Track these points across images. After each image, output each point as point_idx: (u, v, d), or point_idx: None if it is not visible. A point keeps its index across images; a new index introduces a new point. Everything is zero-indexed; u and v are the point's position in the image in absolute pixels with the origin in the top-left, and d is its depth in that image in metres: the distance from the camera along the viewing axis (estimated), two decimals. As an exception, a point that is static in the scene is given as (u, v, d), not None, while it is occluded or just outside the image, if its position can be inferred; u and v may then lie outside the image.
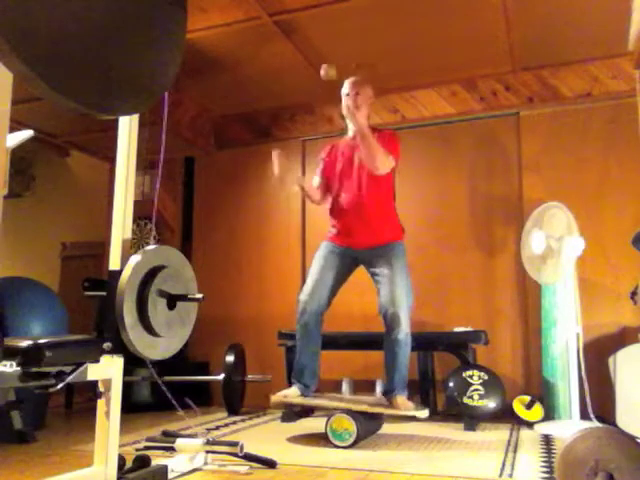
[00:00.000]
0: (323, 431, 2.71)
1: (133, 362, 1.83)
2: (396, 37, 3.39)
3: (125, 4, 1.51)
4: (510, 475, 2.10)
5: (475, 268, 3.80)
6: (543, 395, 3.29)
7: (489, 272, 3.77)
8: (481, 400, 3.05)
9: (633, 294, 3.03)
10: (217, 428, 3.15)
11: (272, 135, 4.45)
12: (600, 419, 3.11)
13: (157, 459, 2.13)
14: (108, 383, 1.74)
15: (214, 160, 4.64)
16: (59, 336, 1.91)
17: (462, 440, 2.79)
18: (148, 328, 1.71)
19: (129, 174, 1.86)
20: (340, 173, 2.99)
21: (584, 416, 3.08)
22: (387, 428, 3.01)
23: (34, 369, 1.52)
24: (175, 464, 2.16)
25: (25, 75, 1.27)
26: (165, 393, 2.22)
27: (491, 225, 3.82)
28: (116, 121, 1.87)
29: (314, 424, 3.26)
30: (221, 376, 3.65)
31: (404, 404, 2.77)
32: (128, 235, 1.85)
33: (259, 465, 2.25)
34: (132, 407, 3.72)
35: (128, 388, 3.62)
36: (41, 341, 1.55)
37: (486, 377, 3.11)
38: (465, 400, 3.06)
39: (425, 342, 3.38)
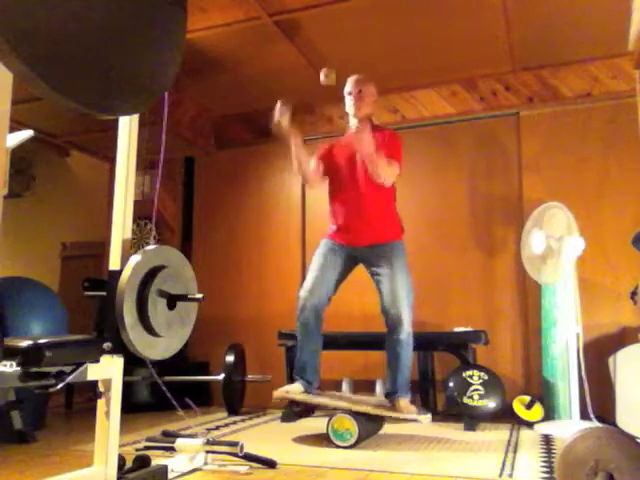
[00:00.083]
0: (323, 431, 2.71)
1: (133, 362, 1.83)
2: (396, 37, 3.39)
3: (125, 4, 1.51)
4: (510, 475, 2.10)
5: (475, 268, 3.80)
6: (543, 395, 3.29)
7: (489, 272, 3.77)
8: (481, 400, 3.05)
9: (633, 294, 3.03)
10: (217, 428, 3.15)
11: (272, 135, 4.44)
12: (600, 419, 3.11)
13: (157, 459, 2.13)
14: (108, 383, 1.74)
15: (214, 160, 4.64)
16: (59, 336, 1.90)
17: (462, 440, 2.79)
18: (148, 328, 1.71)
19: (129, 174, 1.86)
20: (341, 170, 2.99)
21: (584, 416, 3.08)
22: (387, 428, 3.01)
23: (34, 369, 1.52)
24: (175, 464, 2.16)
25: (25, 75, 1.27)
26: (165, 393, 2.22)
27: (491, 225, 3.82)
28: (116, 121, 1.87)
29: (314, 424, 3.26)
30: (221, 376, 3.65)
31: (407, 407, 2.76)
32: (128, 235, 1.85)
33: (259, 465, 2.25)
34: (132, 407, 3.72)
35: (128, 388, 3.62)
36: (41, 341, 1.55)
37: (486, 377, 3.11)
38: (465, 400, 3.06)
39: (425, 342, 3.38)
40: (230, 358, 3.69)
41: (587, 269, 3.43)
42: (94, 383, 1.74)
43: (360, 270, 2.99)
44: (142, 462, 1.91)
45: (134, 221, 2.09)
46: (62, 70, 1.34)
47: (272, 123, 2.83)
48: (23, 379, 1.50)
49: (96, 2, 1.43)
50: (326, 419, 2.74)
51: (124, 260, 1.77)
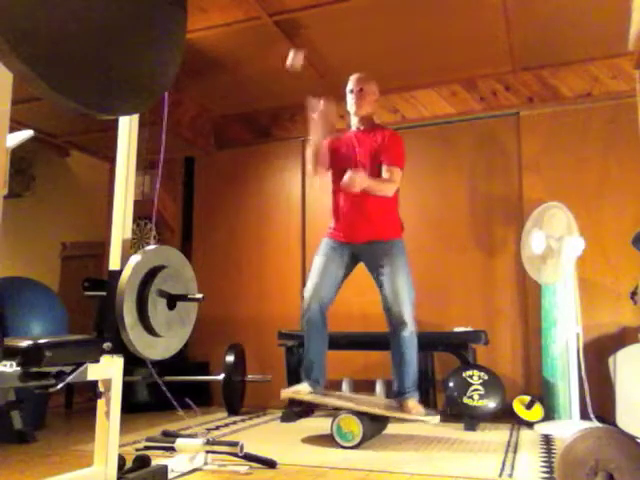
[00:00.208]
0: (323, 431, 2.71)
1: (133, 362, 1.83)
2: (396, 37, 3.39)
3: (125, 4, 1.51)
4: (510, 475, 2.10)
5: (475, 268, 3.80)
6: (543, 395, 3.29)
7: (489, 272, 3.77)
8: (481, 400, 3.05)
9: (633, 294, 3.03)
10: (217, 428, 3.15)
11: (272, 135, 4.45)
12: (600, 419, 3.11)
13: (157, 459, 2.13)
14: (108, 383, 1.74)
15: (214, 160, 4.64)
16: (59, 336, 1.91)
17: (462, 440, 2.79)
18: (148, 328, 1.71)
19: (129, 174, 1.86)
20: (342, 166, 2.98)
21: (584, 416, 3.08)
22: (388, 428, 3.01)
23: (34, 369, 1.52)
24: (175, 464, 2.16)
25: (25, 75, 1.27)
26: (165, 393, 2.22)
27: (491, 225, 3.82)
28: (116, 121, 1.87)
29: (314, 424, 3.26)
30: (221, 376, 3.65)
31: (415, 408, 2.76)
32: (128, 235, 1.85)
33: (259, 465, 2.25)
34: (132, 407, 3.72)
35: (128, 388, 3.62)
36: (41, 341, 1.55)
37: (486, 377, 3.11)
38: (465, 400, 3.06)
39: (425, 342, 3.36)
40: (230, 358, 3.69)
41: (587, 269, 3.43)
42: (94, 383, 1.74)
43: (360, 270, 2.99)
44: (142, 462, 1.91)
45: (134, 221, 2.09)
46: (62, 70, 1.34)
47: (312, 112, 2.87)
48: (23, 379, 1.50)
49: (96, 2, 1.43)
50: (326, 419, 2.74)
51: (124, 260, 1.77)
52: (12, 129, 1.60)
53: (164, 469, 1.95)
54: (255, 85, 4.02)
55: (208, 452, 2.28)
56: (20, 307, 2.99)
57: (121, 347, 1.69)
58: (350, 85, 2.99)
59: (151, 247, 1.81)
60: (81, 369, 1.62)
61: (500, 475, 2.10)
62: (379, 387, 3.62)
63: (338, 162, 2.99)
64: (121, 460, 1.81)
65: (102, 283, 1.78)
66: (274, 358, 3.93)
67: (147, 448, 2.40)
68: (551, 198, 3.39)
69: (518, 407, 3.25)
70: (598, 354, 3.34)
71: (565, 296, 3.19)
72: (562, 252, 3.07)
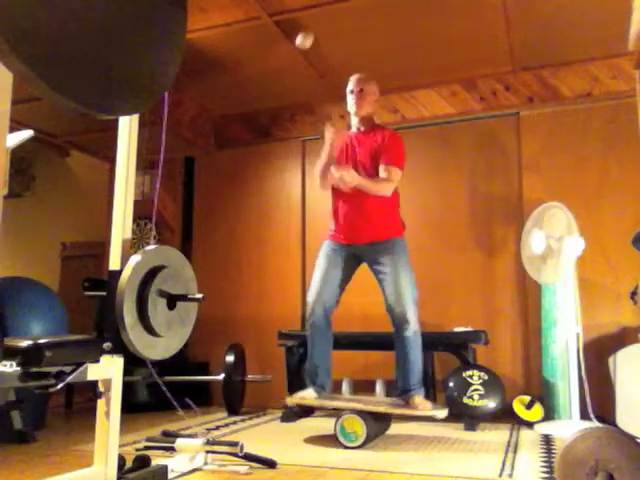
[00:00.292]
0: (323, 431, 2.71)
1: (133, 362, 1.83)
2: (396, 37, 3.39)
3: (125, 4, 1.51)
4: (510, 475, 2.10)
5: (475, 268, 3.80)
6: (543, 395, 3.29)
7: (489, 272, 3.77)
8: (481, 400, 3.05)
9: (633, 294, 3.03)
10: (217, 428, 3.15)
11: (272, 135, 4.45)
12: (600, 419, 3.11)
13: (157, 459, 2.13)
14: (108, 383, 1.74)
15: (214, 160, 4.64)
16: (59, 336, 1.90)
17: (462, 440, 2.79)
18: (148, 328, 1.71)
19: (129, 174, 1.86)
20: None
21: (584, 416, 3.08)
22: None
23: (34, 369, 1.52)
24: (175, 464, 2.16)
25: (25, 75, 1.27)
26: (165, 393, 2.22)
27: (491, 225, 3.82)
28: (116, 121, 1.87)
29: (314, 424, 3.26)
30: (221, 376, 3.65)
31: (422, 404, 2.76)
32: (128, 235, 1.85)
33: (259, 465, 2.25)
34: (132, 407, 3.72)
35: (128, 388, 3.62)
36: (41, 341, 1.55)
37: (486, 377, 3.11)
38: (465, 400, 3.06)
39: (425, 342, 3.35)
40: (230, 358, 3.69)
41: (587, 269, 3.43)
42: (94, 383, 1.74)
43: (361, 271, 2.99)
44: (142, 462, 1.91)
45: (134, 221, 2.09)
46: (62, 70, 1.34)
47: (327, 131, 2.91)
48: (23, 379, 1.50)
49: (96, 2, 1.43)
50: (326, 419, 2.74)
51: (124, 260, 1.77)
52: (12, 129, 1.60)
53: (164, 469, 1.95)
54: (255, 85, 4.02)
55: (208, 452, 2.28)
56: (20, 307, 2.99)
57: (121, 347, 1.69)
58: (350, 86, 2.99)
59: (151, 247, 1.81)
60: (81, 369, 1.62)
61: (500, 475, 2.10)
62: (379, 387, 3.62)
63: (338, 163, 2.99)
64: (121, 460, 1.81)
65: (102, 283, 1.78)
66: (274, 358, 3.93)
67: (147, 448, 2.40)
68: (551, 198, 3.39)
69: (518, 407, 3.25)
70: (598, 354, 3.34)
71: (565, 296, 3.19)
72: (562, 252, 3.07)
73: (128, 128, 1.87)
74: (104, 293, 1.74)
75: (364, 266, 2.97)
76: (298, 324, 4.09)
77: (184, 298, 1.83)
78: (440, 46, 3.50)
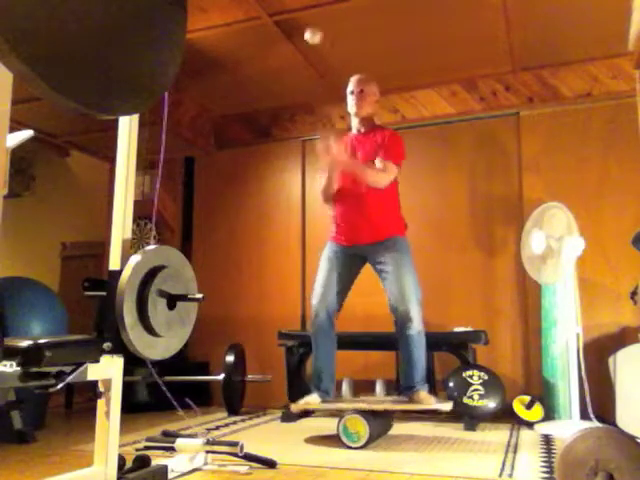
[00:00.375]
0: (324, 431, 2.71)
1: (133, 362, 1.83)
2: (396, 37, 3.39)
3: (125, 4, 1.51)
4: (510, 475, 2.10)
5: (475, 268, 3.80)
6: (543, 395, 3.29)
7: (489, 272, 3.77)
8: (481, 400, 3.05)
9: (633, 294, 3.03)
10: (217, 428, 3.15)
11: (272, 135, 4.45)
12: (600, 419, 3.11)
13: (157, 459, 2.13)
14: (108, 383, 1.74)
15: (214, 160, 4.64)
16: (59, 336, 1.90)
17: (462, 440, 2.79)
18: (148, 328, 1.71)
19: (129, 174, 1.86)
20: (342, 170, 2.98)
21: (584, 416, 3.08)
22: (387, 428, 3.01)
23: (34, 369, 1.52)
24: (175, 464, 2.16)
25: (25, 75, 1.26)
26: (165, 393, 2.22)
27: (491, 225, 3.82)
28: (116, 121, 1.87)
29: (314, 424, 3.26)
30: (221, 376, 3.65)
31: (427, 398, 2.77)
32: (128, 235, 1.85)
33: (259, 465, 2.25)
34: (132, 407, 3.72)
35: (128, 388, 3.62)
36: (41, 341, 1.55)
37: (486, 377, 3.11)
38: (465, 400, 3.06)
39: (425, 342, 3.37)
40: (230, 358, 3.69)
41: (587, 269, 3.42)
42: (94, 383, 1.73)
43: (362, 271, 2.99)
44: (142, 462, 1.91)
45: (134, 221, 2.09)
46: (62, 70, 1.34)
47: (322, 152, 2.84)
48: (23, 379, 1.50)
49: (96, 2, 1.43)
50: (326, 419, 2.74)
51: (124, 260, 1.77)
52: (12, 129, 1.60)
53: (164, 469, 1.95)
54: (255, 85, 4.02)
55: (208, 452, 2.28)
56: (20, 307, 2.99)
57: (121, 347, 1.68)
58: (350, 86, 2.99)
59: (151, 247, 1.81)
60: (81, 369, 1.62)
61: (500, 475, 2.10)
62: (379, 387, 3.62)
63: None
64: (121, 460, 1.81)
65: (102, 283, 1.78)
66: (274, 358, 3.93)
67: (147, 448, 2.40)
68: (551, 198, 3.39)
69: (518, 407, 3.25)
70: (598, 354, 3.34)
71: (565, 296, 3.19)
72: (562, 252, 3.07)
73: (128, 128, 1.87)
74: (104, 293, 1.74)
75: (369, 266, 2.96)
76: (298, 324, 4.09)
77: (184, 298, 1.83)
78: (440, 46, 3.50)
